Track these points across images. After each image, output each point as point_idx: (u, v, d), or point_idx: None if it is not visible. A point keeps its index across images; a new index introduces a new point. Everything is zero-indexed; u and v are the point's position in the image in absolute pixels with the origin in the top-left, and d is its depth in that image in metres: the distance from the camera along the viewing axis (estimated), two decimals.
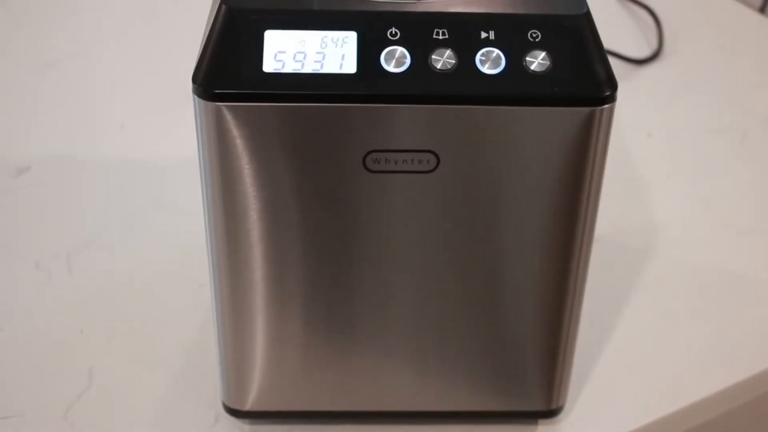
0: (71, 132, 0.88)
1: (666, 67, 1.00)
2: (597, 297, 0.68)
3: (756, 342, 0.70)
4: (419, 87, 0.49)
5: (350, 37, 0.49)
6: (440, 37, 0.49)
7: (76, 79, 0.95)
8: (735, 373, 0.68)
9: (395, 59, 0.49)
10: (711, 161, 0.88)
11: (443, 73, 0.49)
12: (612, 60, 0.66)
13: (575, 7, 0.50)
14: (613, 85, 0.49)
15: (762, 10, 1.11)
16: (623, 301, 0.73)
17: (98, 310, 0.71)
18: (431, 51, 0.49)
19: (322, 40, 0.49)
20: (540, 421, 0.64)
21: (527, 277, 0.56)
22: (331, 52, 0.49)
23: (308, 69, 0.49)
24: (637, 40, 1.03)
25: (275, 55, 0.49)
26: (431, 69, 0.49)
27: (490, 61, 0.49)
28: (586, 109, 0.49)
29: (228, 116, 0.49)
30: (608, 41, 0.54)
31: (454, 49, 0.49)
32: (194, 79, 0.49)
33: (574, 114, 0.49)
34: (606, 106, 0.50)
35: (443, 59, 0.49)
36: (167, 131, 0.88)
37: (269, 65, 0.49)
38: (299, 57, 0.49)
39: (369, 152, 0.50)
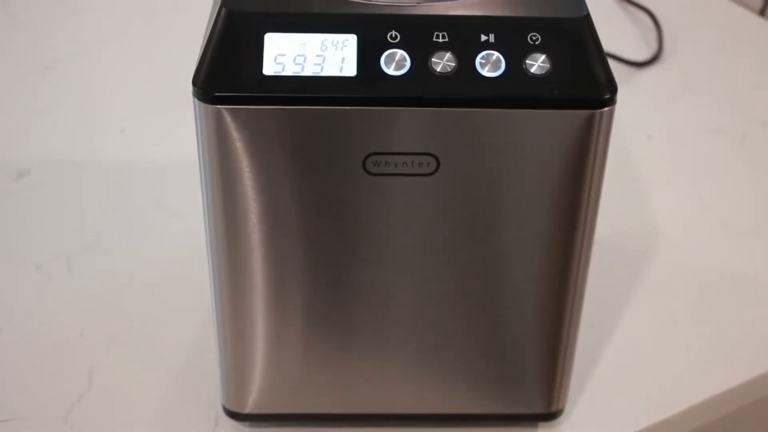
0: (71, 135, 0.88)
1: (666, 69, 1.00)
2: (597, 299, 0.68)
3: (756, 343, 0.70)
4: (419, 90, 0.49)
5: (350, 40, 0.49)
6: (440, 40, 0.49)
7: (76, 81, 0.95)
8: (736, 375, 0.68)
9: (395, 62, 0.49)
10: (711, 163, 0.88)
11: (443, 76, 0.49)
12: (612, 62, 0.67)
13: (575, 9, 0.50)
14: (613, 88, 0.49)
15: (761, 12, 1.11)
16: (623, 303, 0.73)
17: (98, 312, 0.71)
18: (431, 54, 0.49)
19: (322, 42, 0.49)
20: (540, 423, 0.64)
21: (527, 279, 0.56)
22: (331, 54, 0.49)
23: (308, 72, 0.49)
24: (637, 42, 1.03)
25: (275, 57, 0.49)
26: (431, 72, 0.49)
27: (490, 64, 0.49)
28: (586, 112, 0.49)
29: (228, 119, 0.49)
30: (608, 44, 0.54)
31: (454, 52, 0.49)
32: (194, 82, 0.49)
33: (574, 117, 0.50)
34: (606, 108, 0.50)
35: (443, 62, 0.49)
36: (167, 134, 0.88)
37: (269, 68, 0.49)
38: (299, 60, 0.49)
39: (369, 155, 0.50)
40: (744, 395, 0.68)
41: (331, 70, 0.49)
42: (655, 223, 0.81)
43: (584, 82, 0.49)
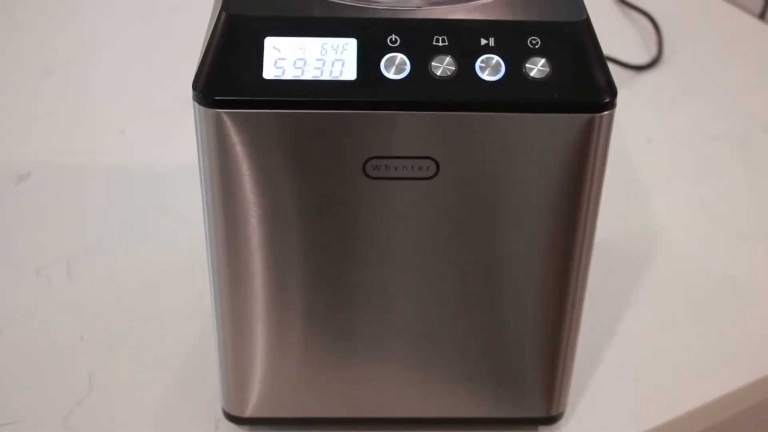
0: (71, 138, 0.88)
1: (665, 72, 1.00)
2: (597, 302, 0.68)
3: (757, 346, 0.70)
4: (419, 94, 0.49)
5: (350, 44, 0.49)
6: (440, 44, 0.49)
7: (76, 84, 0.95)
8: (736, 378, 0.68)
9: (395, 66, 0.49)
10: (711, 166, 0.88)
11: (443, 80, 0.49)
12: (612, 66, 0.67)
13: (575, 13, 0.50)
14: (612, 92, 0.49)
15: (761, 15, 1.11)
16: (623, 305, 0.73)
17: (98, 316, 0.71)
18: (431, 58, 0.49)
19: (322, 46, 0.49)
20: (540, 427, 0.64)
21: (527, 282, 0.56)
22: (331, 58, 0.49)
23: (308, 76, 0.49)
24: (637, 46, 1.03)
25: (275, 61, 0.49)
26: (431, 76, 0.49)
27: (489, 68, 0.49)
28: (585, 116, 0.49)
29: (228, 123, 0.49)
30: (608, 47, 0.54)
31: (454, 56, 0.49)
32: (194, 86, 0.49)
33: (574, 120, 0.50)
34: (606, 112, 0.50)
35: (443, 66, 0.49)
36: (167, 136, 0.88)
37: (269, 72, 0.49)
38: (299, 64, 0.49)
39: (369, 159, 0.50)
40: (745, 398, 0.68)
41: (331, 74, 0.49)
42: (655, 226, 0.81)
43: (584, 86, 0.49)
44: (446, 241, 0.54)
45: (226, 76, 0.49)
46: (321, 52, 0.49)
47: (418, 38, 0.49)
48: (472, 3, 0.51)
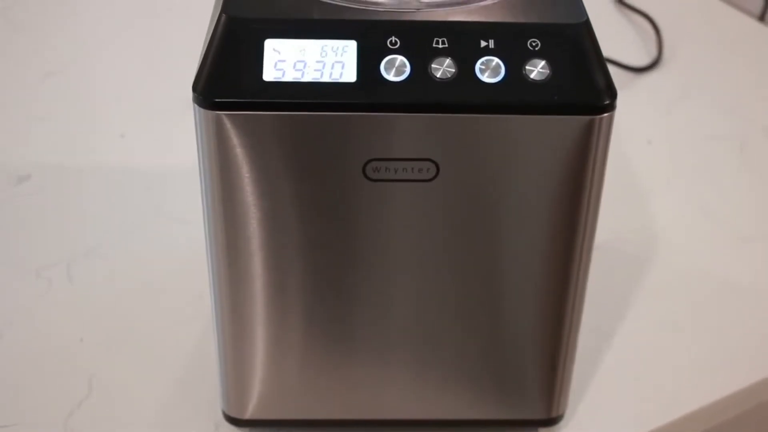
0: (71, 140, 0.88)
1: (665, 74, 1.00)
2: (597, 304, 0.68)
3: (758, 348, 0.70)
4: (419, 96, 0.49)
5: (350, 46, 0.49)
6: (440, 46, 0.49)
7: (76, 87, 0.95)
8: (737, 380, 0.68)
9: (395, 68, 0.49)
10: (711, 168, 0.88)
11: (443, 82, 0.49)
12: (611, 68, 0.67)
13: (575, 15, 0.50)
14: (612, 94, 0.49)
15: (761, 17, 1.11)
16: (623, 308, 0.73)
17: (98, 318, 0.71)
18: (431, 60, 0.49)
19: (322, 48, 0.49)
20: (540, 429, 0.64)
21: (527, 284, 0.56)
22: (331, 60, 0.49)
23: (308, 78, 0.49)
24: (637, 48, 1.03)
25: (275, 63, 0.49)
26: (431, 78, 0.49)
27: (489, 70, 0.49)
28: (585, 118, 0.49)
29: (228, 125, 0.49)
30: (608, 49, 0.54)
31: (453, 58, 0.49)
32: (194, 88, 0.49)
33: (574, 122, 0.50)
34: (606, 114, 0.50)
35: (443, 68, 0.49)
36: (167, 140, 0.88)
37: (269, 74, 0.49)
38: (299, 66, 0.49)
39: (369, 161, 0.50)
40: (745, 400, 0.68)
41: (331, 76, 0.49)
42: (655, 228, 0.81)
43: (584, 88, 0.49)
44: (446, 243, 0.54)
45: (226, 78, 0.49)
46: (321, 54, 0.49)
47: (418, 40, 0.49)
48: (472, 5, 0.51)
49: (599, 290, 0.66)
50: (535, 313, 0.57)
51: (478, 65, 0.49)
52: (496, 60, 0.49)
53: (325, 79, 0.49)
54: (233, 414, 0.62)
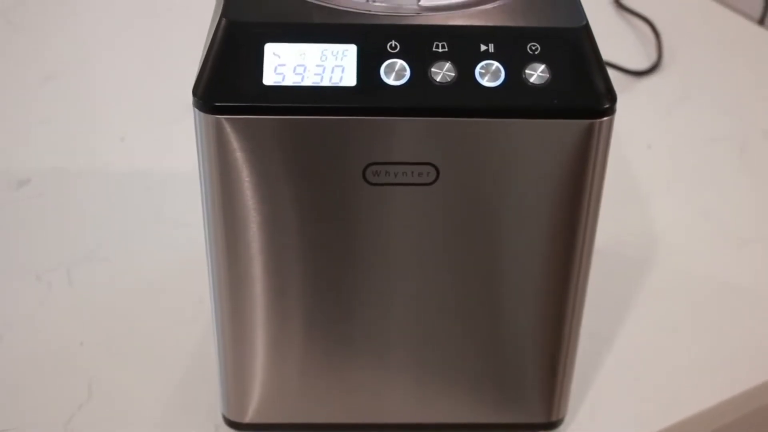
0: (71, 144, 0.88)
1: (665, 78, 1.00)
2: (597, 308, 0.68)
3: (758, 351, 0.70)
4: (419, 99, 0.49)
5: (350, 50, 0.49)
6: (440, 50, 0.49)
7: (76, 91, 0.95)
8: (737, 383, 0.68)
9: (395, 72, 0.49)
10: (711, 172, 0.88)
11: (443, 86, 0.49)
12: (611, 72, 0.67)
13: (574, 19, 0.50)
14: (612, 98, 0.50)
15: (761, 21, 1.11)
16: (623, 311, 0.73)
17: (98, 321, 0.71)
18: (431, 64, 0.49)
19: (322, 52, 0.49)
20: None
21: (527, 287, 0.56)
22: (331, 64, 0.49)
23: (308, 82, 0.49)
24: (637, 51, 1.03)
25: (275, 67, 0.49)
26: (431, 81, 0.49)
27: (489, 74, 0.49)
28: (585, 122, 0.49)
29: (228, 129, 0.49)
30: (607, 53, 0.54)
31: (453, 62, 0.49)
32: (194, 92, 0.49)
33: (574, 126, 0.50)
34: (605, 118, 0.50)
35: (443, 72, 0.49)
36: (167, 143, 0.88)
37: (269, 78, 0.49)
38: (299, 70, 0.49)
39: (369, 165, 0.50)
40: (745, 403, 0.68)
41: (331, 80, 0.49)
42: (655, 231, 0.81)
43: (584, 92, 0.49)
44: (446, 246, 0.54)
45: (226, 82, 0.49)
46: (321, 58, 0.49)
47: (417, 44, 0.49)
48: (472, 9, 0.51)
49: (599, 293, 0.66)
50: (536, 316, 0.57)
51: (477, 69, 0.49)
52: (495, 64, 0.49)
53: (325, 83, 0.49)
54: (233, 417, 0.62)
